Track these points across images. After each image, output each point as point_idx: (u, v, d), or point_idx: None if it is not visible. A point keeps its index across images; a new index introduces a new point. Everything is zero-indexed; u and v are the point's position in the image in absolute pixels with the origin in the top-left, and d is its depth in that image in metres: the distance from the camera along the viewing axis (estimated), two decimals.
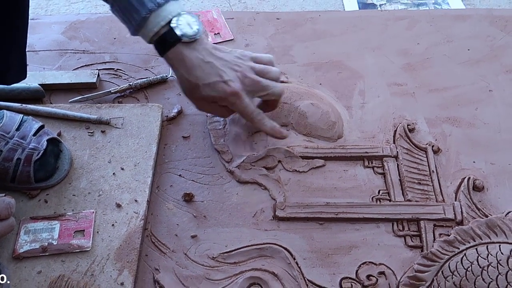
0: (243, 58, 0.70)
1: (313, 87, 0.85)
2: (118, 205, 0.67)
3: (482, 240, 0.63)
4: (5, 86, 0.80)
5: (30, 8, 1.10)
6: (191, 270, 0.63)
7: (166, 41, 0.65)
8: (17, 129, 0.69)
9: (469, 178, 0.71)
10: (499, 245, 0.62)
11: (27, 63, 0.86)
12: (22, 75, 0.69)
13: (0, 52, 0.62)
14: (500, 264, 0.60)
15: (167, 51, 0.66)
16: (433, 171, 0.72)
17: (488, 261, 0.61)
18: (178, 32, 0.64)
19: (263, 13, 1.01)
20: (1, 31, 0.61)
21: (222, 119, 0.78)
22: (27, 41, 0.86)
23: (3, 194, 0.58)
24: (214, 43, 0.92)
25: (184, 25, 0.65)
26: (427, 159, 0.74)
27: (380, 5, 1.16)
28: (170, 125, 0.79)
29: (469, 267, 0.60)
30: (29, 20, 0.97)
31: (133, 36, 0.68)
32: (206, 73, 0.66)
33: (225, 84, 0.67)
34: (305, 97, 0.80)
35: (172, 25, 0.64)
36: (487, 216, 0.66)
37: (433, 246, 0.63)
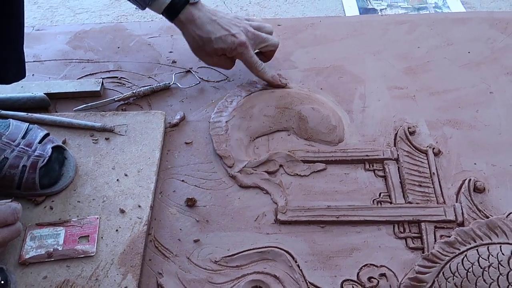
0: (240, 18, 0.83)
1: (314, 91, 0.85)
2: (122, 211, 0.68)
3: (483, 241, 0.63)
4: (12, 95, 0.81)
5: (35, 19, 1.12)
6: (194, 274, 0.64)
7: (177, 5, 0.77)
8: (23, 137, 0.70)
9: (470, 179, 0.71)
10: (500, 246, 0.62)
11: (33, 73, 0.88)
12: (21, 74, 0.70)
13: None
14: (501, 265, 0.60)
15: (179, 14, 0.77)
16: (433, 173, 0.73)
17: (489, 262, 0.61)
18: None
19: (264, 19, 1.02)
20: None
21: (224, 124, 0.79)
22: (32, 52, 0.87)
23: (10, 200, 0.59)
24: None
25: None
26: (428, 162, 0.74)
27: (381, 10, 1.17)
28: (173, 131, 0.80)
29: (470, 268, 0.61)
30: (35, 31, 0.99)
31: (142, 10, 0.80)
32: (216, 28, 0.78)
33: (233, 36, 0.78)
34: (306, 101, 0.81)
35: None
36: (488, 218, 0.66)
37: (434, 248, 0.64)
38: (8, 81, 0.69)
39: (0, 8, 0.60)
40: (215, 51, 0.79)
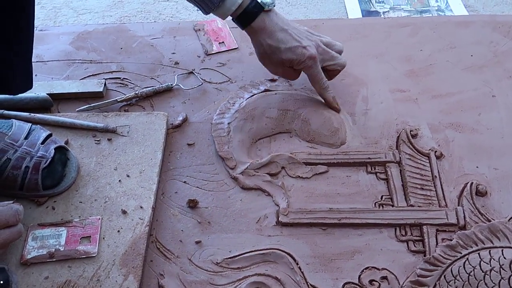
0: (312, 32, 0.81)
1: (317, 94, 0.85)
2: (124, 212, 0.68)
3: (484, 244, 0.63)
4: (13, 96, 0.81)
5: (39, 19, 1.13)
6: (195, 275, 0.64)
7: (250, 13, 0.74)
8: (26, 138, 0.70)
9: (472, 183, 0.71)
10: (502, 250, 0.62)
11: (36, 74, 0.88)
12: (28, 85, 0.70)
13: (5, 60, 0.63)
14: (503, 269, 0.60)
15: (252, 22, 0.75)
16: (435, 176, 0.72)
17: (490, 265, 0.61)
18: (260, 1, 0.74)
19: None
20: (5, 40, 0.62)
21: (226, 126, 0.79)
22: (36, 52, 0.87)
23: (12, 201, 0.60)
24: (218, 52, 0.94)
25: None
26: (430, 165, 0.74)
27: (384, 12, 1.17)
28: (175, 132, 0.80)
29: (471, 271, 0.61)
30: (38, 31, 0.99)
31: (205, 14, 0.77)
32: (287, 38, 0.76)
33: (304, 48, 0.76)
34: (309, 104, 0.81)
35: None
36: (490, 221, 0.66)
37: (435, 251, 0.64)
38: (14, 92, 0.69)
39: (9, 20, 0.61)
40: (283, 62, 0.77)
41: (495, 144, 0.77)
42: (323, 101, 0.83)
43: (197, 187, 0.73)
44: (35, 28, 0.98)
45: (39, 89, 0.84)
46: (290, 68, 0.79)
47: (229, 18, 0.77)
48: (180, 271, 0.64)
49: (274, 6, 0.76)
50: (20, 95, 0.82)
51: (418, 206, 0.69)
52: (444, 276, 0.61)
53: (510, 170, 0.74)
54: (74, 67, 0.92)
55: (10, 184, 0.67)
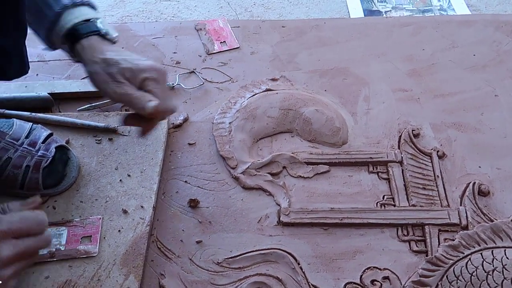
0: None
1: (318, 93, 0.85)
2: (125, 211, 0.68)
3: (487, 244, 0.63)
4: (16, 95, 0.81)
5: None
6: (196, 275, 0.63)
7: (82, 31, 0.63)
8: (26, 137, 0.70)
9: (474, 183, 0.71)
10: (505, 250, 0.62)
11: (37, 73, 0.88)
12: (23, 70, 0.67)
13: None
14: (506, 269, 0.60)
15: (82, 39, 0.63)
16: (438, 176, 0.72)
17: (493, 265, 0.60)
18: (100, 26, 0.64)
19: (268, 21, 1.02)
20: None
21: (227, 125, 0.79)
22: (37, 51, 0.87)
23: (33, 198, 0.57)
24: (219, 51, 0.94)
25: (107, 27, 0.65)
26: (432, 164, 0.74)
27: (386, 12, 1.16)
28: (176, 132, 0.80)
29: (474, 271, 0.60)
30: None
31: (45, 46, 0.67)
32: (126, 53, 0.64)
33: (146, 60, 0.63)
34: (310, 103, 0.81)
35: (94, 20, 0.64)
36: (492, 221, 0.66)
37: (437, 251, 0.63)
38: (10, 77, 0.68)
39: (1, 2, 0.59)
40: (122, 72, 0.61)
41: (497, 143, 0.77)
42: (325, 100, 0.83)
43: (198, 186, 0.73)
44: None
45: (40, 89, 0.84)
46: (132, 86, 0.63)
47: None
48: (181, 271, 0.64)
49: (114, 42, 0.66)
50: (21, 94, 0.82)
51: (420, 206, 0.69)
52: (447, 276, 0.61)
53: None
54: (75, 67, 0.92)
55: (11, 183, 0.67)
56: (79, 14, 0.65)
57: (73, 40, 0.64)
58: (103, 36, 0.65)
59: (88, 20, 0.64)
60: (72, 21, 0.64)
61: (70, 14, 0.64)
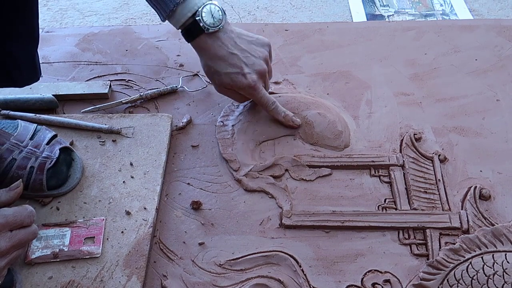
0: (263, 43, 0.77)
1: (321, 97, 0.86)
2: (128, 213, 0.68)
3: (488, 248, 0.63)
4: (21, 96, 0.82)
5: (45, 21, 1.13)
6: (198, 277, 0.64)
7: (192, 32, 0.72)
8: (31, 138, 0.71)
9: (475, 187, 0.71)
10: (505, 254, 0.62)
11: (41, 75, 0.89)
12: (34, 77, 0.69)
13: (9, 53, 0.63)
14: (506, 273, 0.60)
15: (192, 41, 0.73)
16: (439, 180, 0.72)
17: (494, 269, 0.61)
18: (201, 24, 0.71)
19: (271, 24, 1.03)
20: (9, 34, 0.61)
21: (230, 128, 0.79)
22: (42, 53, 0.88)
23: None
24: None
25: (207, 16, 0.71)
26: (434, 168, 0.74)
27: (388, 16, 1.17)
28: (180, 134, 0.81)
29: (474, 275, 0.61)
30: (44, 33, 1.00)
31: (162, 21, 0.75)
32: (227, 63, 0.73)
33: (243, 76, 0.73)
34: (312, 107, 0.82)
35: (196, 17, 0.71)
36: (493, 225, 0.66)
37: (438, 255, 0.64)
38: (21, 84, 0.69)
39: (12, 9, 0.60)
40: (224, 84, 0.75)
41: (499, 148, 0.77)
42: (327, 104, 0.83)
43: (201, 188, 0.73)
44: (41, 30, 1.00)
45: (44, 90, 0.84)
46: (233, 91, 0.77)
47: None
48: (183, 272, 0.64)
49: (219, 28, 0.72)
50: (26, 96, 0.82)
51: (422, 210, 0.69)
52: (447, 280, 0.61)
53: None
54: (79, 69, 0.93)
55: None
56: (190, 7, 0.71)
57: (187, 38, 0.74)
58: (209, 32, 0.72)
59: (194, 14, 0.71)
60: (184, 18, 0.71)
61: (183, 8, 0.71)
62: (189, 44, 0.75)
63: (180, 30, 0.74)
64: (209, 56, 0.73)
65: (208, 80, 0.89)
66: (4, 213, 0.55)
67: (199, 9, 0.70)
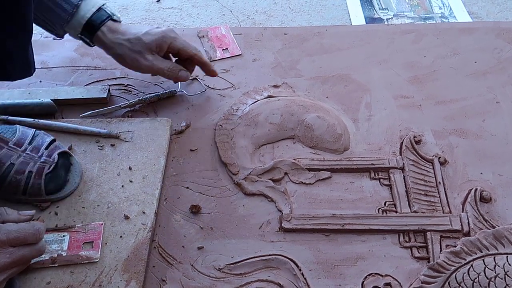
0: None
1: (320, 100, 0.85)
2: (127, 217, 0.68)
3: (489, 251, 0.63)
4: (19, 101, 0.82)
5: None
6: (197, 281, 0.63)
7: (97, 21, 0.77)
8: (30, 143, 0.70)
9: (476, 189, 0.71)
10: (507, 256, 0.62)
11: (40, 80, 0.89)
12: (27, 72, 0.68)
13: (2, 46, 0.62)
14: (508, 276, 0.60)
15: (100, 28, 0.77)
16: (439, 182, 0.72)
17: (495, 272, 0.60)
18: (108, 11, 0.78)
19: (270, 28, 1.03)
20: (1, 26, 0.61)
21: (229, 132, 0.79)
22: (40, 58, 0.87)
23: (38, 217, 0.61)
24: (222, 58, 0.94)
25: (111, 11, 0.79)
26: (434, 171, 0.74)
27: (387, 19, 1.17)
28: (178, 138, 0.80)
29: (476, 278, 0.60)
30: (43, 38, 1.00)
31: (58, 38, 0.82)
32: (142, 29, 0.79)
33: (157, 28, 0.80)
34: (312, 110, 0.81)
35: (103, 8, 0.78)
36: (494, 228, 0.66)
37: (439, 257, 0.63)
38: (13, 78, 0.68)
39: (5, 4, 0.60)
40: (149, 47, 0.78)
41: (499, 150, 0.77)
42: (326, 107, 0.83)
43: (200, 192, 0.73)
44: (40, 35, 0.99)
45: (43, 95, 0.84)
46: (157, 56, 0.79)
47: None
48: (182, 277, 0.64)
49: (120, 21, 0.81)
50: (24, 101, 0.82)
51: (422, 212, 0.69)
52: (448, 283, 0.60)
53: None
54: (78, 73, 0.92)
55: (14, 189, 0.67)
56: (93, 3, 0.78)
57: (91, 30, 0.78)
58: (114, 19, 0.79)
59: (99, 8, 0.78)
60: (90, 11, 0.77)
61: (86, 4, 0.77)
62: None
63: (78, 31, 0.78)
64: (122, 33, 0.78)
65: (207, 84, 0.89)
66: (8, 228, 0.55)
67: (101, 5, 0.78)
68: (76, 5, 0.76)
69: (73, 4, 0.75)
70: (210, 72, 0.86)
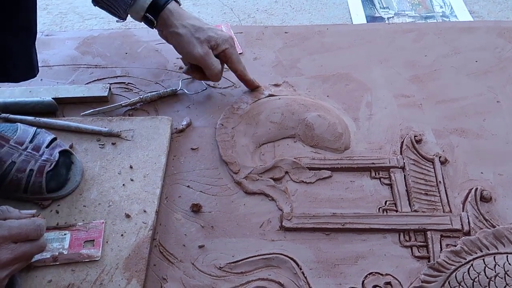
0: None
1: (321, 99, 0.85)
2: (128, 216, 0.68)
3: (489, 250, 0.63)
4: (20, 100, 0.82)
5: (45, 24, 1.13)
6: (198, 279, 0.64)
7: (161, 1, 0.79)
8: (31, 141, 0.70)
9: (476, 188, 0.71)
10: (507, 256, 0.62)
11: (41, 78, 0.89)
12: (31, 73, 0.69)
13: (5, 47, 0.62)
14: (508, 275, 0.60)
15: (164, 9, 0.79)
16: (440, 181, 0.72)
17: (495, 271, 0.60)
18: None
19: (271, 27, 1.03)
20: (5, 28, 0.61)
21: (230, 130, 0.79)
22: (41, 57, 0.87)
23: (34, 211, 0.60)
24: None
25: None
26: (434, 170, 0.74)
27: (388, 18, 1.17)
28: (179, 137, 0.80)
29: (476, 277, 0.60)
30: (44, 36, 1.00)
31: (121, 20, 0.83)
32: (202, 22, 0.82)
33: (220, 31, 0.82)
34: (312, 109, 0.81)
35: None
36: (494, 227, 0.66)
37: (439, 257, 0.63)
38: (17, 79, 0.69)
39: (9, 2, 0.60)
40: (208, 40, 0.79)
41: (499, 149, 0.77)
42: (327, 106, 0.83)
43: (201, 191, 0.73)
44: (41, 33, 1.00)
45: (44, 94, 0.84)
46: (210, 53, 0.80)
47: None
48: (183, 275, 0.64)
49: (181, 4, 0.83)
50: (25, 99, 0.82)
51: (422, 212, 0.69)
52: (449, 282, 0.61)
53: None
54: (79, 72, 0.92)
55: (15, 187, 0.68)
56: None
57: (156, 10, 0.80)
58: (176, 0, 0.82)
59: None
60: None
61: None
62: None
63: (141, 14, 0.80)
64: (188, 17, 0.81)
65: (208, 83, 0.89)
66: (9, 224, 0.55)
67: None
68: None
69: None
70: (252, 87, 0.87)
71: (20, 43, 0.64)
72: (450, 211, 0.69)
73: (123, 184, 0.72)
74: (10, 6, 0.60)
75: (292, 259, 0.65)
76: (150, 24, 0.82)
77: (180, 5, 0.82)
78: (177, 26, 0.80)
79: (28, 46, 0.66)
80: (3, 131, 0.70)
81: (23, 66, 0.67)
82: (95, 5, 0.81)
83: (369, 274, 0.64)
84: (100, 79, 0.91)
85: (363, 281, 0.63)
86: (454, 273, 0.61)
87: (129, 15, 0.82)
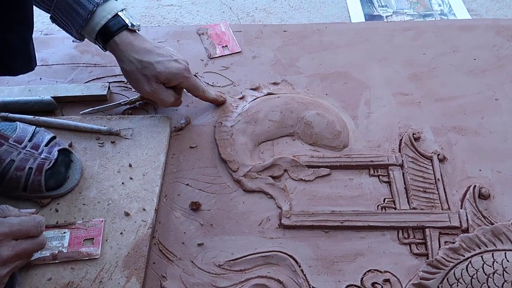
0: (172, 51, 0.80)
1: (319, 97, 0.86)
2: (127, 214, 0.68)
3: (487, 247, 0.63)
4: (19, 98, 0.82)
5: (44, 23, 1.13)
6: (197, 277, 0.64)
7: (112, 29, 0.74)
8: (30, 140, 0.71)
9: (475, 186, 0.71)
10: (505, 253, 0.62)
11: (40, 77, 0.89)
12: (29, 66, 0.68)
13: (3, 40, 0.62)
14: (506, 272, 0.60)
15: (113, 37, 0.74)
16: (438, 179, 0.72)
17: (493, 268, 0.61)
18: (125, 20, 0.74)
19: (270, 25, 1.03)
20: (3, 21, 0.60)
21: (229, 129, 0.79)
22: (40, 56, 0.87)
23: (34, 210, 0.61)
24: (221, 56, 0.94)
25: (129, 17, 0.75)
26: (433, 168, 0.74)
27: (386, 16, 1.17)
28: (178, 135, 0.80)
29: (474, 274, 0.60)
30: (43, 35, 1.00)
31: (77, 40, 0.78)
32: (156, 54, 0.75)
33: (176, 62, 0.76)
34: (311, 107, 0.82)
35: (120, 15, 0.74)
36: (493, 224, 0.66)
37: (438, 254, 0.63)
38: (15, 72, 0.68)
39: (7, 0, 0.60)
40: (157, 76, 0.75)
41: (498, 147, 0.77)
42: (326, 104, 0.83)
43: (200, 189, 0.73)
44: (40, 32, 1.00)
45: (43, 92, 0.84)
46: (161, 86, 0.76)
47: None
48: (182, 273, 0.64)
49: (138, 28, 0.77)
50: (24, 98, 0.82)
51: (421, 209, 0.69)
52: (447, 279, 0.61)
53: None
54: (78, 71, 0.93)
55: (14, 185, 0.68)
56: (110, 9, 0.74)
57: (105, 37, 0.74)
58: (130, 29, 0.75)
59: (116, 15, 0.74)
60: (105, 18, 0.73)
61: (102, 10, 0.73)
62: (115, 48, 0.75)
63: (93, 37, 0.75)
64: (136, 50, 0.74)
65: (207, 82, 0.89)
66: (10, 221, 0.56)
67: (119, 11, 0.74)
68: (91, 11, 0.72)
69: (88, 10, 0.72)
70: (219, 104, 0.85)
71: (18, 37, 0.64)
72: (449, 208, 0.69)
73: (123, 183, 0.72)
74: (8, 1, 0.60)
75: (291, 256, 0.65)
76: (102, 49, 0.79)
77: (138, 30, 0.77)
78: (124, 61, 0.75)
79: (26, 39, 0.66)
80: (2, 130, 0.70)
81: (21, 59, 0.66)
82: (52, 22, 0.77)
83: (368, 271, 0.64)
84: (99, 78, 0.91)
85: (362, 278, 0.63)
86: (453, 270, 0.61)
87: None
